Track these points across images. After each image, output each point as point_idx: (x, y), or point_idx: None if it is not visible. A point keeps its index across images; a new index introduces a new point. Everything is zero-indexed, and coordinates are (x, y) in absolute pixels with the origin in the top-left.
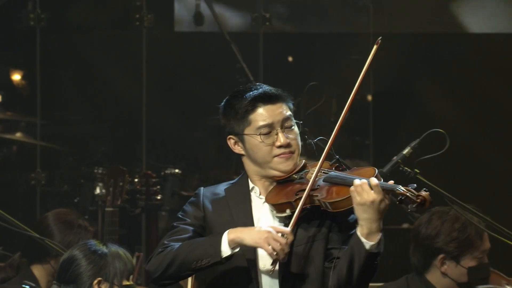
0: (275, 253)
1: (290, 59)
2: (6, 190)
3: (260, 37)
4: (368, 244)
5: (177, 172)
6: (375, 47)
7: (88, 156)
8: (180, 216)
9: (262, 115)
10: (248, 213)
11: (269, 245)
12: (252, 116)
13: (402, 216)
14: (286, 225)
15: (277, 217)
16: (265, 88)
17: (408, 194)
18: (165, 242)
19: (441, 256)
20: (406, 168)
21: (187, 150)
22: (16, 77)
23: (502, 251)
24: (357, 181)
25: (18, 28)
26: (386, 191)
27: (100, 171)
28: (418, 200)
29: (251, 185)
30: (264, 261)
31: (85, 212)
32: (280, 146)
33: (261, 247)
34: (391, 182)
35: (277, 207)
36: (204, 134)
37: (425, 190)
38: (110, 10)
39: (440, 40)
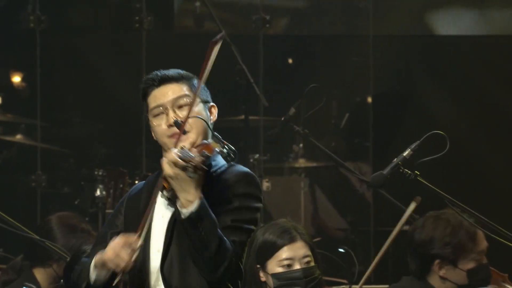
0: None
1: (290, 61)
2: (7, 192)
3: (260, 39)
4: (183, 210)
5: None
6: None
7: (89, 158)
8: (109, 217)
9: (155, 97)
10: (150, 201)
11: (113, 262)
12: (148, 99)
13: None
14: (169, 204)
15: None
16: (163, 71)
17: (186, 160)
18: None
19: (437, 261)
20: (406, 170)
21: None
22: (16, 79)
23: (500, 250)
24: (164, 158)
25: (18, 30)
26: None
27: (100, 173)
28: (191, 167)
29: None
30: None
31: (85, 214)
32: (170, 126)
33: (109, 267)
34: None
35: (161, 192)
36: None
37: (204, 155)
38: (109, 12)
39: (440, 42)
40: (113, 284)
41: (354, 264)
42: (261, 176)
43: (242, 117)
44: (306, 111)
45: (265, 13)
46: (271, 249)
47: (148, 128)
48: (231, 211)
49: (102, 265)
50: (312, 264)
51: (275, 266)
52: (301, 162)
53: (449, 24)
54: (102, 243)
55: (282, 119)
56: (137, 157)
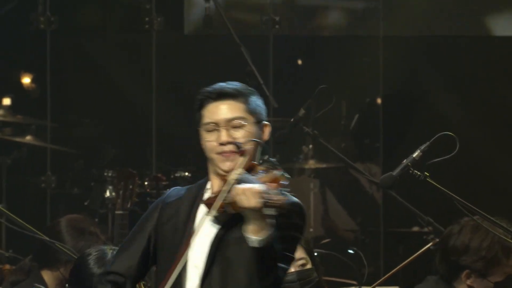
0: None
1: (299, 62)
2: (17, 193)
3: (270, 40)
4: (253, 238)
5: (187, 175)
6: None
7: (98, 159)
8: (139, 222)
9: (209, 111)
10: (192, 214)
11: None
12: (202, 112)
13: (412, 220)
14: (214, 222)
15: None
16: (222, 84)
17: (267, 198)
18: (107, 269)
19: (467, 271)
20: (416, 172)
21: (197, 153)
22: (26, 80)
23: None
24: (241, 186)
25: (28, 31)
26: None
27: (110, 174)
28: (274, 205)
29: (208, 184)
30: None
31: (95, 215)
32: (221, 144)
33: None
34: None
35: (207, 208)
36: None
37: (283, 194)
38: (119, 13)
39: (450, 43)
40: None
41: (364, 265)
42: None
43: None
44: (316, 112)
45: (275, 14)
46: None
47: (157, 128)
48: (281, 239)
49: None
50: (308, 266)
51: None
52: (311, 163)
53: (460, 24)
54: (129, 247)
55: (292, 120)
56: (146, 158)
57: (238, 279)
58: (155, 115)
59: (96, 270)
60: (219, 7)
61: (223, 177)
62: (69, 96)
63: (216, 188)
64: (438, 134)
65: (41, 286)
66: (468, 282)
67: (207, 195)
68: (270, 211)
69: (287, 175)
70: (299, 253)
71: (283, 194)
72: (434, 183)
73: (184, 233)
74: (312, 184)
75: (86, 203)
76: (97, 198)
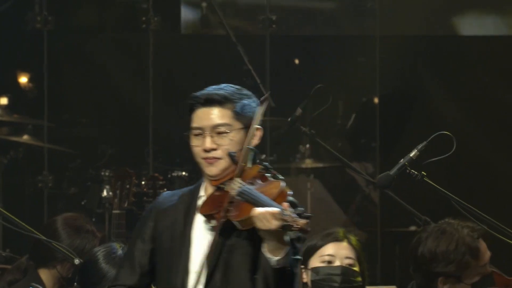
0: None
1: (296, 61)
2: (14, 193)
3: (267, 39)
4: (273, 259)
5: (183, 175)
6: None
7: (95, 159)
8: (135, 231)
9: (197, 116)
10: (188, 223)
11: None
12: (192, 116)
13: (409, 219)
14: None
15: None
16: (212, 89)
17: (289, 221)
18: (112, 284)
19: (441, 278)
20: (413, 171)
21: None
22: (23, 79)
23: (506, 252)
24: (259, 210)
25: (25, 30)
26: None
27: (107, 174)
28: (296, 229)
29: (201, 191)
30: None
31: (92, 214)
32: (204, 150)
33: None
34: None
35: (205, 217)
36: None
37: (305, 217)
38: (116, 13)
39: (446, 42)
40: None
41: None
42: None
43: None
44: (313, 111)
45: (272, 13)
46: (316, 245)
47: (154, 128)
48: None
49: None
50: (355, 268)
51: (316, 261)
52: (308, 163)
53: (456, 24)
54: (131, 259)
55: (289, 119)
56: (143, 157)
57: (241, 284)
58: (152, 115)
59: (104, 265)
60: (216, 6)
61: (213, 182)
62: (66, 96)
63: (209, 193)
64: (435, 134)
65: (38, 286)
66: (446, 287)
67: (200, 202)
68: (290, 234)
69: (280, 177)
70: (349, 252)
71: (306, 217)
72: (431, 182)
73: (183, 242)
74: (309, 184)
75: (83, 203)
76: (94, 198)
